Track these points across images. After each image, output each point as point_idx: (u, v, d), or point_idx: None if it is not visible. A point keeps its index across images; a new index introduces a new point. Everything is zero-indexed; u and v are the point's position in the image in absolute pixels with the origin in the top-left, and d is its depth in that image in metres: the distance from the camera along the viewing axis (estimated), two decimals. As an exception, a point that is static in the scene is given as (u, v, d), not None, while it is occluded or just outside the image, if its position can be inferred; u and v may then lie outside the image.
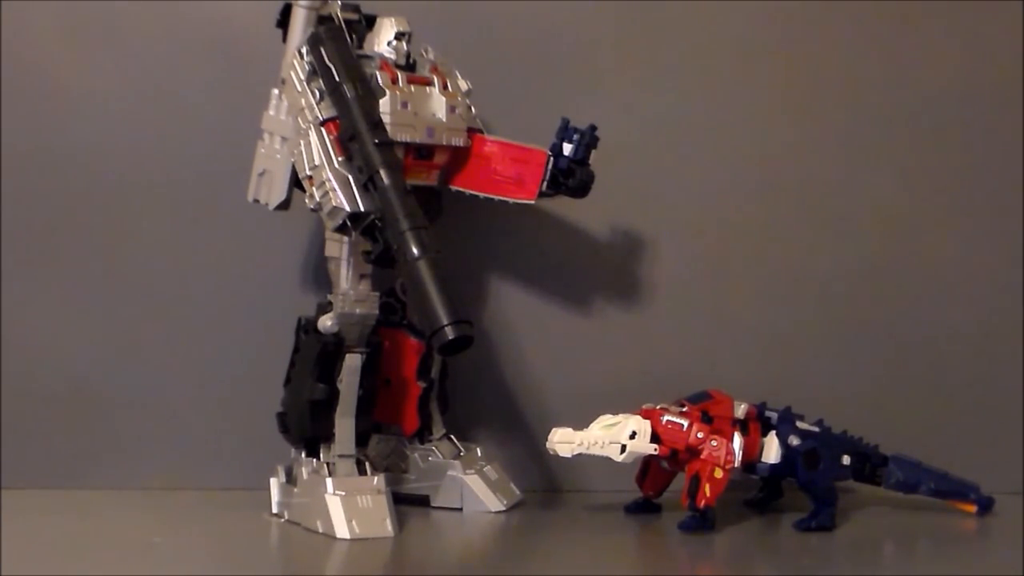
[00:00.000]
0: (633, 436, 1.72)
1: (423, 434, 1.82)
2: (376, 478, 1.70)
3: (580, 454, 1.73)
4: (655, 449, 1.73)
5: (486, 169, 1.76)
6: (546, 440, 1.73)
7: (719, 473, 1.73)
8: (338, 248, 1.71)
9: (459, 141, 1.74)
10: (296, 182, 1.70)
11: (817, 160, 1.97)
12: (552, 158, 1.73)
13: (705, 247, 1.96)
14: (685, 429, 1.73)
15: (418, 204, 1.61)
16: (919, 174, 1.99)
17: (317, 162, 1.65)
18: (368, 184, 1.61)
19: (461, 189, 1.77)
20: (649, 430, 1.72)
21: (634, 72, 1.94)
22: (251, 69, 1.82)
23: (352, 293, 1.71)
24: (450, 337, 1.54)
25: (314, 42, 1.68)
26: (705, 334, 1.96)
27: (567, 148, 1.73)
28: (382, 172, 1.61)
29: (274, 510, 1.75)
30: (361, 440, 1.74)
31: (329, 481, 1.68)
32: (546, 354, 1.94)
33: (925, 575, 1.68)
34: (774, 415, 1.80)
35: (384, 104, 1.68)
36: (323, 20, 1.71)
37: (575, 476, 1.91)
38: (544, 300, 1.94)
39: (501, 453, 1.88)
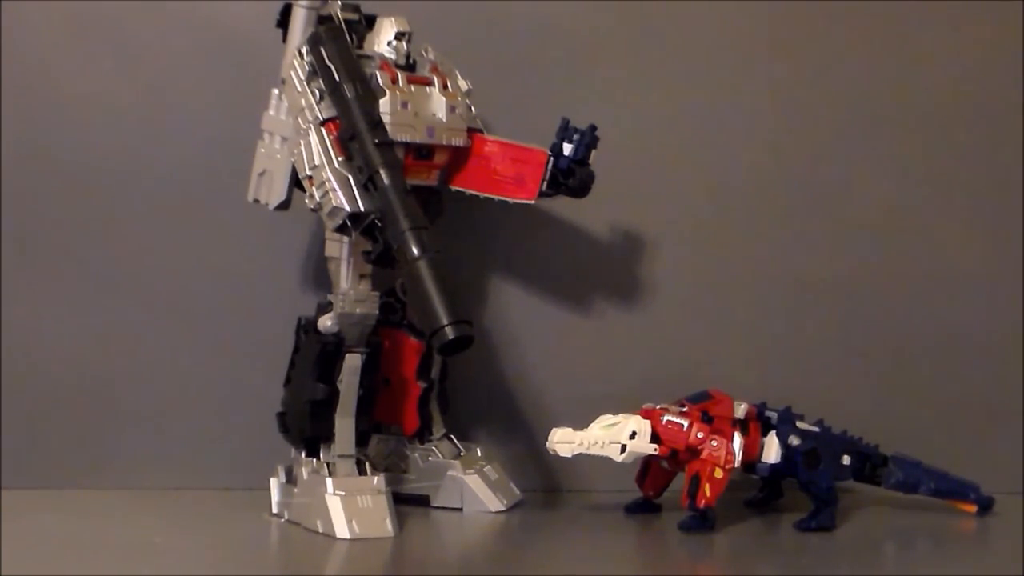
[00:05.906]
0: (633, 436, 1.72)
1: (423, 434, 1.82)
2: (376, 478, 1.70)
3: (580, 454, 1.73)
4: (655, 449, 1.73)
5: (486, 169, 1.76)
6: (546, 440, 1.73)
7: (719, 473, 1.73)
8: (338, 248, 1.71)
9: (459, 141, 1.74)
10: (296, 182, 1.70)
11: (817, 160, 1.97)
12: (552, 158, 1.73)
13: (705, 247, 1.96)
14: (685, 429, 1.73)
15: (418, 204, 1.61)
16: (919, 174, 1.99)
17: (317, 162, 1.65)
18: (368, 184, 1.62)
19: (461, 189, 1.77)
20: (649, 430, 1.72)
21: (634, 72, 1.94)
22: (251, 69, 1.82)
23: (352, 293, 1.71)
24: (450, 337, 1.54)
25: (314, 42, 1.68)
26: (705, 334, 1.96)
27: (567, 148, 1.73)
28: (382, 172, 1.61)
29: (274, 510, 1.75)
30: (361, 440, 1.74)
31: (329, 481, 1.68)
32: (546, 354, 1.94)
33: (925, 575, 1.68)
34: (774, 415, 1.80)
35: (384, 104, 1.68)
36: (323, 20, 1.71)
37: (575, 476, 1.91)
38: (544, 300, 1.94)
39: (501, 453, 1.88)
